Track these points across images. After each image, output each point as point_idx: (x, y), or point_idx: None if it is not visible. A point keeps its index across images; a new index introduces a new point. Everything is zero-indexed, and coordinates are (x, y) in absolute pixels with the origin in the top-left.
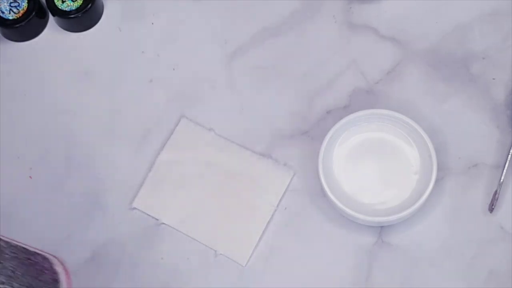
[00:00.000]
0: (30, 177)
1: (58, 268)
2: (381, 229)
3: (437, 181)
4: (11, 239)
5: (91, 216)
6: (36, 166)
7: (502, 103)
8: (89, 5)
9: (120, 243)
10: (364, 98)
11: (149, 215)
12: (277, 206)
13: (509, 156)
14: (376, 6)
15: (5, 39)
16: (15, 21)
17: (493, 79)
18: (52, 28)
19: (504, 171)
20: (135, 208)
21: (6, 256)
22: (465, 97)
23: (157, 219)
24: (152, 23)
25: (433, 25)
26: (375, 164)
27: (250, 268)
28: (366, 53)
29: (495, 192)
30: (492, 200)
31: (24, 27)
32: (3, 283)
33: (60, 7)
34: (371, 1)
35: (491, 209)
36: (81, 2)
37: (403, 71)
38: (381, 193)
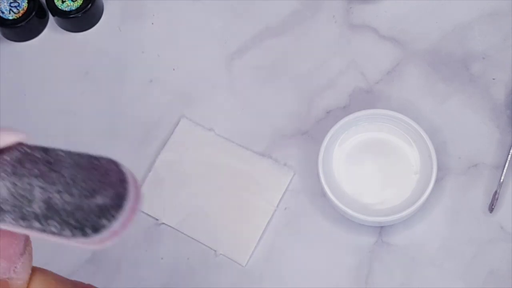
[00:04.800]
0: None
1: (125, 169)
2: (381, 229)
3: (437, 181)
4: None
5: None
6: None
7: (502, 103)
8: (89, 5)
9: (120, 243)
10: (364, 98)
11: (149, 215)
12: (277, 206)
13: (509, 156)
14: (376, 6)
15: (5, 39)
16: (15, 21)
17: (493, 79)
18: (52, 28)
19: (504, 171)
20: None
21: (65, 164)
22: (465, 97)
23: (157, 219)
24: (152, 23)
25: (433, 25)
26: (375, 164)
27: (250, 268)
28: (366, 53)
29: (495, 192)
30: (492, 200)
31: (24, 27)
32: (59, 192)
33: (60, 7)
34: (371, 1)
35: (491, 209)
36: (81, 2)
37: (403, 71)
38: (381, 193)
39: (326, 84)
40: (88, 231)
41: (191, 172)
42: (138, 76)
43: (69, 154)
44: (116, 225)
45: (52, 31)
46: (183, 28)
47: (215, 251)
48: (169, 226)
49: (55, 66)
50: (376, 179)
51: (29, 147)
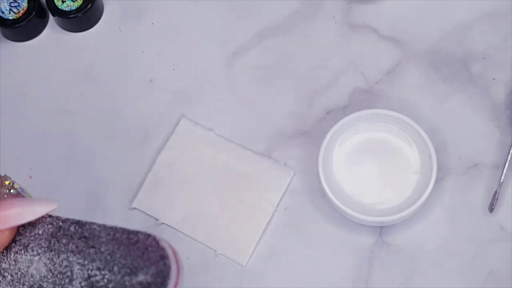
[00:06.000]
0: (30, 177)
1: (164, 244)
2: (381, 229)
3: (437, 181)
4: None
5: (91, 216)
6: (36, 166)
7: (502, 103)
8: (89, 5)
9: None
10: (364, 98)
11: (149, 215)
12: (277, 206)
13: (509, 156)
14: (376, 6)
15: (5, 39)
16: (15, 21)
17: (493, 79)
18: (52, 28)
19: (504, 171)
20: (135, 208)
21: (102, 239)
22: (465, 97)
23: (157, 219)
24: (152, 23)
25: (433, 25)
26: (375, 164)
27: (250, 268)
28: (366, 53)
29: (495, 192)
30: (492, 200)
31: (24, 27)
32: (99, 269)
33: (60, 7)
34: (371, 1)
35: (491, 209)
36: (81, 2)
37: (403, 71)
38: (381, 193)
39: (326, 84)
40: None
41: (191, 172)
42: (138, 76)
43: (104, 228)
44: None
45: (52, 31)
46: (183, 28)
47: (215, 251)
48: (169, 226)
49: (55, 66)
50: (376, 179)
51: (62, 220)
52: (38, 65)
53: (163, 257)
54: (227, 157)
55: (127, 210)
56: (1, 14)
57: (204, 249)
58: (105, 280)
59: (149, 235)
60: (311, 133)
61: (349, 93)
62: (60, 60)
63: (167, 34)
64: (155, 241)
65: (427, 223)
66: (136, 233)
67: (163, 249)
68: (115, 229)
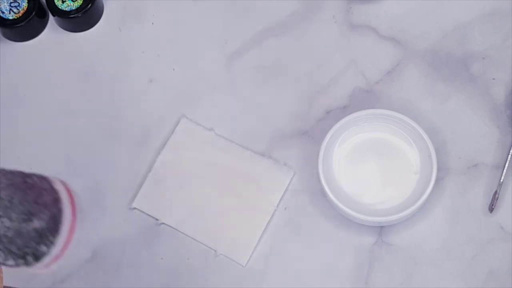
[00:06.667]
0: None
1: (58, 187)
2: (381, 229)
3: (437, 181)
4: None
5: (91, 216)
6: (36, 166)
7: (502, 103)
8: (89, 5)
9: (120, 243)
10: (364, 98)
11: (149, 215)
12: (277, 206)
13: (509, 156)
14: (376, 6)
15: (5, 39)
16: (15, 21)
17: (493, 79)
18: (52, 28)
19: (504, 171)
20: (135, 208)
21: (1, 185)
22: (465, 97)
23: (157, 219)
24: (152, 23)
25: (433, 25)
26: (375, 164)
27: (250, 268)
28: (366, 53)
29: (495, 192)
30: (492, 200)
31: (24, 27)
32: (0, 216)
33: (60, 7)
34: (371, 1)
35: (491, 209)
36: (81, 2)
37: (403, 71)
38: (381, 193)
39: (326, 84)
40: (30, 259)
41: (191, 172)
42: (138, 76)
43: (3, 172)
44: (55, 250)
45: (52, 31)
46: (183, 28)
47: (215, 251)
48: (169, 226)
49: (55, 66)
50: (376, 179)
51: None
52: (38, 65)
53: (56, 200)
54: (227, 157)
55: (127, 210)
56: (1, 14)
57: (204, 249)
58: (5, 228)
59: (43, 177)
60: (311, 133)
61: (349, 93)
62: (60, 60)
63: (167, 34)
64: (49, 183)
65: (427, 223)
66: (31, 176)
67: (56, 192)
68: (13, 173)
